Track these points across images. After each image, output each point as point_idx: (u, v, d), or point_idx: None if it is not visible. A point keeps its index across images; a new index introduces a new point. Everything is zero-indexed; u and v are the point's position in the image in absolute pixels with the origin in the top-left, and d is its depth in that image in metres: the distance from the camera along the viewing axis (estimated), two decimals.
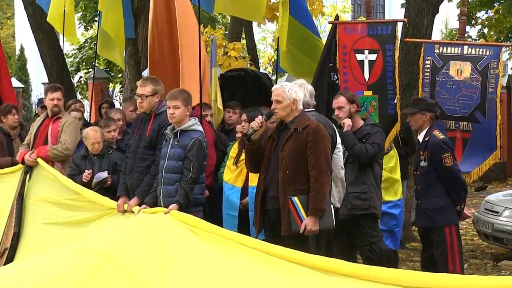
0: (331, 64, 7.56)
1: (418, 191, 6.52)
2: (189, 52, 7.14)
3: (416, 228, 9.71)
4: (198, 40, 7.16)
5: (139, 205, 5.89)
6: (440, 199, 6.32)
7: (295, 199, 5.34)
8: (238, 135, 7.03)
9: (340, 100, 6.41)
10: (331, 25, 8.00)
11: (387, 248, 6.66)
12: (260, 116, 5.62)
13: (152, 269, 4.90)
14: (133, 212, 5.88)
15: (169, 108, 5.77)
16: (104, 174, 6.77)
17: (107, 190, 6.65)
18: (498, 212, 8.52)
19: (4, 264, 6.87)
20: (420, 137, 6.45)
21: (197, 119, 5.99)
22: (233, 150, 6.90)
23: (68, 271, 5.46)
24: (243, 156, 6.53)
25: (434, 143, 6.30)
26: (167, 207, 5.48)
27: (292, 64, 8.69)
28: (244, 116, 6.76)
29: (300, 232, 5.31)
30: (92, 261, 5.34)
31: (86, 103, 15.68)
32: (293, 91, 5.57)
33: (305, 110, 6.01)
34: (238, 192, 6.73)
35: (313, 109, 6.15)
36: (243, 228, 6.41)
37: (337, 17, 8.38)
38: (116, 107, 18.08)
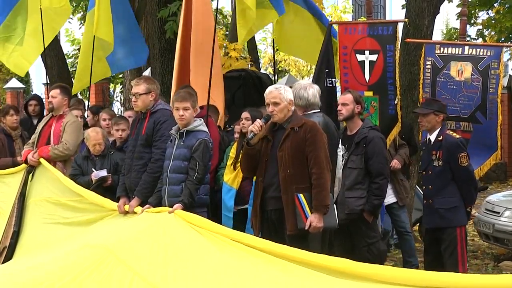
0: (327, 70, 7.51)
1: (429, 191, 6.45)
2: (202, 52, 7.16)
3: (417, 228, 9.74)
4: (213, 41, 7.12)
5: (141, 205, 5.88)
6: (454, 199, 6.35)
7: (301, 195, 5.36)
8: (236, 135, 6.99)
9: (347, 97, 6.40)
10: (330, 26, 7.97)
11: (385, 248, 6.67)
12: (259, 120, 5.58)
13: (154, 265, 4.90)
14: (136, 213, 5.87)
15: (178, 109, 5.70)
16: (103, 173, 6.78)
17: (107, 190, 6.66)
18: (498, 213, 8.53)
19: (3, 263, 6.89)
20: (432, 137, 6.45)
21: (202, 119, 5.98)
22: (233, 150, 6.88)
23: (68, 264, 5.45)
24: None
25: (450, 143, 6.35)
26: (172, 207, 5.47)
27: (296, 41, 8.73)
28: (246, 114, 6.62)
29: (306, 228, 5.32)
30: (94, 255, 5.32)
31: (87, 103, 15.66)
32: (288, 92, 5.57)
33: (313, 111, 6.02)
34: (233, 194, 6.71)
35: (319, 110, 6.16)
36: (237, 230, 6.37)
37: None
38: (115, 107, 18.15)
